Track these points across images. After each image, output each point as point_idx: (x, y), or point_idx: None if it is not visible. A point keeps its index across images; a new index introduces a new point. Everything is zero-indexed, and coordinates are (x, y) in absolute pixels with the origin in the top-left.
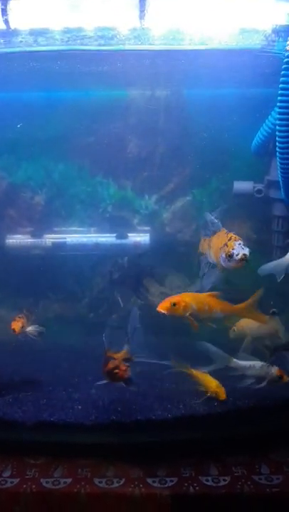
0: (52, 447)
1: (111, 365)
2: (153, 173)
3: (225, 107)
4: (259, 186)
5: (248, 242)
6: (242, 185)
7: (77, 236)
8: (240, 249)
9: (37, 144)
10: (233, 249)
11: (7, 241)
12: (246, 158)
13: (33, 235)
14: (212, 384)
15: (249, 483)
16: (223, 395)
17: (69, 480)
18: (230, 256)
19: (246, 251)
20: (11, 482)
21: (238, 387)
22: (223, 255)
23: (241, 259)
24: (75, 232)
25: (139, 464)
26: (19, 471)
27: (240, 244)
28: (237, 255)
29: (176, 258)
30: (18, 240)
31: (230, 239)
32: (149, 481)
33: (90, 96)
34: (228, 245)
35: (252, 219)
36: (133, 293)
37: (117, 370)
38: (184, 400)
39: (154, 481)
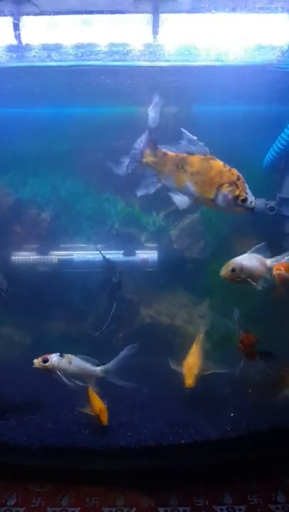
0: (59, 474)
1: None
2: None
3: (237, 123)
4: (271, 203)
5: None
6: None
7: (83, 253)
8: None
9: (44, 160)
10: None
11: (12, 258)
12: (258, 174)
13: (39, 251)
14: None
15: None
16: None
17: (77, 509)
18: None
19: None
20: (17, 511)
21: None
22: None
23: None
24: (82, 249)
25: (150, 491)
26: (24, 500)
27: None
28: None
29: (184, 275)
30: (23, 256)
31: None
32: (161, 510)
33: (100, 112)
34: None
35: (262, 236)
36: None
37: None
38: (195, 424)
39: (166, 511)
